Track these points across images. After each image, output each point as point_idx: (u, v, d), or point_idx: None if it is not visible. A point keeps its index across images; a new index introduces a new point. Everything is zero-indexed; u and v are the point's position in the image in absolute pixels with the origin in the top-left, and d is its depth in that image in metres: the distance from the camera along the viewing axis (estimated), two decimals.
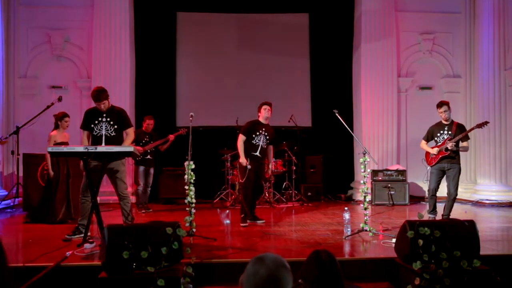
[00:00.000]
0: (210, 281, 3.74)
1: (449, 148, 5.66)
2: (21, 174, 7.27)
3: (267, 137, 6.02)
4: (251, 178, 5.87)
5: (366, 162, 5.06)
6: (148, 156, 7.24)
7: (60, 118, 6.01)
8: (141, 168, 7.30)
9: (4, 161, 8.13)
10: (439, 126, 5.95)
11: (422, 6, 9.23)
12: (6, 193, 7.63)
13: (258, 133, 5.96)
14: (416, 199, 8.55)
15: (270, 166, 6.22)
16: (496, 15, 8.16)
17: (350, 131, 5.76)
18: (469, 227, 3.59)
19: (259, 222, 5.97)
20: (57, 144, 5.71)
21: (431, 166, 5.91)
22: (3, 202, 7.31)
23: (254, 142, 5.95)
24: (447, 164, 5.77)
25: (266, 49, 9.52)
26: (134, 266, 3.23)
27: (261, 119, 6.06)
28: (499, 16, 8.16)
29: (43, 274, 3.47)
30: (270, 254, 1.73)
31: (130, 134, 5.06)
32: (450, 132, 5.78)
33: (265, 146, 6.00)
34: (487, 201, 7.96)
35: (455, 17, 9.31)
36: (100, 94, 4.88)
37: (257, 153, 5.93)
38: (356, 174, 9.22)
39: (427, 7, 9.24)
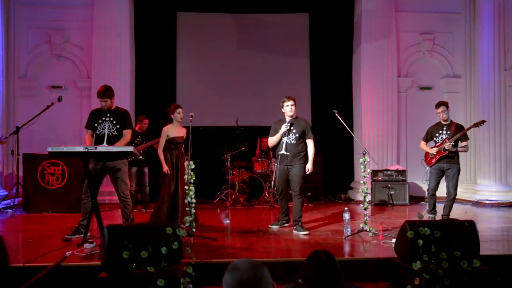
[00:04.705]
0: (210, 281, 3.74)
1: (447, 148, 5.67)
2: (21, 174, 7.28)
3: (294, 131, 5.45)
4: (277, 182, 5.56)
5: (366, 162, 5.06)
6: (140, 157, 7.19)
7: (173, 110, 5.70)
8: (134, 169, 7.30)
9: (4, 161, 8.12)
10: (438, 126, 5.96)
11: (422, 6, 9.22)
12: (6, 193, 7.63)
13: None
14: (416, 199, 8.54)
15: (308, 165, 5.46)
16: (496, 16, 8.15)
17: (350, 131, 5.76)
18: (469, 227, 3.60)
19: (274, 227, 5.68)
20: (170, 138, 5.62)
21: (430, 166, 5.92)
22: (3, 202, 7.30)
23: (281, 141, 5.51)
24: (446, 164, 5.78)
25: (266, 49, 9.50)
26: (134, 266, 3.23)
27: (286, 116, 5.59)
28: (499, 16, 8.15)
29: (43, 274, 3.47)
30: (241, 260, 1.77)
31: (126, 135, 5.08)
32: (449, 132, 5.78)
33: (293, 142, 5.44)
34: (487, 201, 7.95)
35: (455, 17, 9.30)
36: (104, 91, 4.99)
37: (283, 151, 5.44)
38: (356, 174, 9.22)
39: (427, 7, 9.23)
